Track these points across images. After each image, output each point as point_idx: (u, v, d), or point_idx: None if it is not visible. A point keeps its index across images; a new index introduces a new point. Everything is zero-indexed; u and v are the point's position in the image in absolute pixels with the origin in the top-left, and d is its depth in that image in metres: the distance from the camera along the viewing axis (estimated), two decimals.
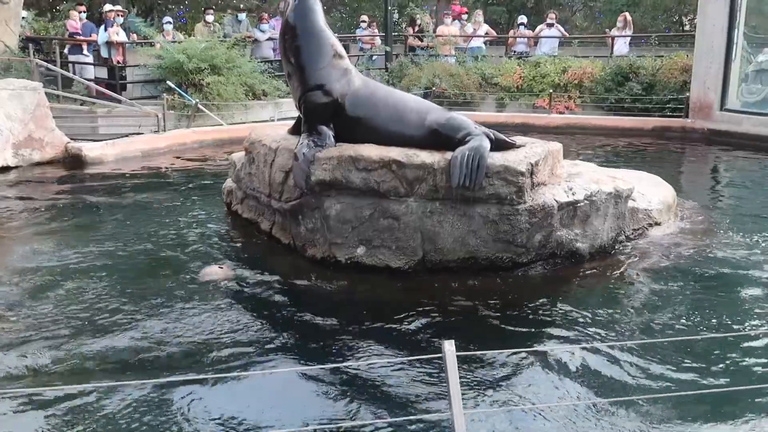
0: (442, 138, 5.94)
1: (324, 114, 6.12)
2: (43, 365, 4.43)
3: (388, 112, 6.10)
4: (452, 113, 6.27)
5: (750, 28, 13.28)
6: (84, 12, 16.35)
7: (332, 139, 6.04)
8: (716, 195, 9.37)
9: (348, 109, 6.11)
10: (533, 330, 4.97)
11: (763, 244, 6.61)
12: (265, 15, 17.31)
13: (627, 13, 17.74)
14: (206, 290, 5.63)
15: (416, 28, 18.72)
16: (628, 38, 17.21)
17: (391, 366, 4.34)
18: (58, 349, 4.63)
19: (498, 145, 5.95)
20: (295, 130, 6.65)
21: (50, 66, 14.21)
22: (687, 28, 25.00)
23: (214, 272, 5.96)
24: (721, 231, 7.00)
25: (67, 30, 15.88)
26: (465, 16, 19.15)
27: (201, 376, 4.24)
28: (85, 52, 15.60)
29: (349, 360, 4.51)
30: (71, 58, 15.51)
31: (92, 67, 15.43)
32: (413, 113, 6.09)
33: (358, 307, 5.36)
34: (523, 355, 4.50)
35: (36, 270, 6.04)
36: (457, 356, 3.01)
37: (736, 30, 12.77)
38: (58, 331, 4.88)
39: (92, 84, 14.10)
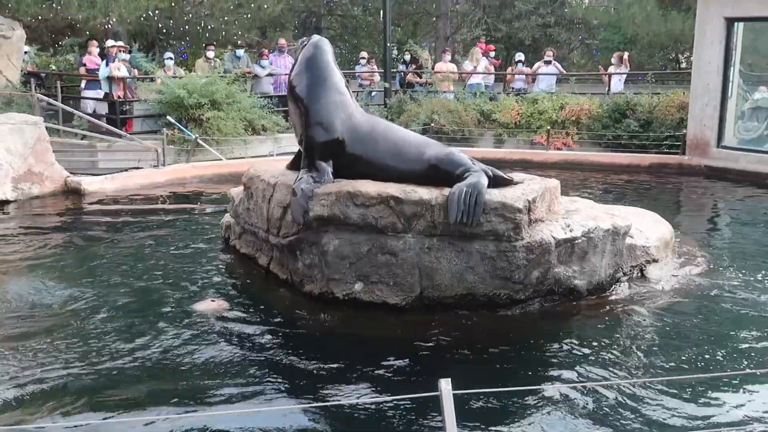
0: (440, 173, 5.97)
1: (324, 151, 6.15)
2: (34, 399, 4.40)
3: (387, 147, 6.14)
4: (451, 149, 6.31)
5: (746, 66, 13.41)
6: (96, 47, 16.39)
7: (330, 176, 6.07)
8: (714, 232, 9.38)
9: (348, 145, 6.15)
10: (530, 368, 4.95)
11: (761, 282, 6.60)
12: (265, 51, 17.45)
13: (623, 53, 17.93)
14: (201, 325, 5.61)
15: (416, 64, 18.88)
16: (624, 76, 17.37)
17: (387, 404, 4.32)
18: (51, 382, 4.61)
19: (496, 182, 5.98)
20: (293, 165, 6.68)
21: (51, 101, 14.30)
22: (683, 65, 25.26)
23: (206, 306, 5.96)
24: (719, 268, 6.99)
25: (84, 65, 15.91)
26: (492, 53, 19.19)
27: (192, 413, 4.21)
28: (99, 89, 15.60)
29: (344, 397, 4.48)
30: (89, 93, 15.47)
31: (101, 102, 15.47)
32: (412, 148, 6.13)
33: (354, 343, 5.34)
34: (520, 393, 4.47)
35: (33, 304, 6.03)
36: (454, 395, 2.99)
37: (732, 68, 12.89)
38: (52, 364, 4.86)
39: (96, 120, 14.11)
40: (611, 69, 17.53)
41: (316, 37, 6.69)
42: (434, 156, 6.07)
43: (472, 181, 5.75)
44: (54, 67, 18.52)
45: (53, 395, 4.47)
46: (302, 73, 6.36)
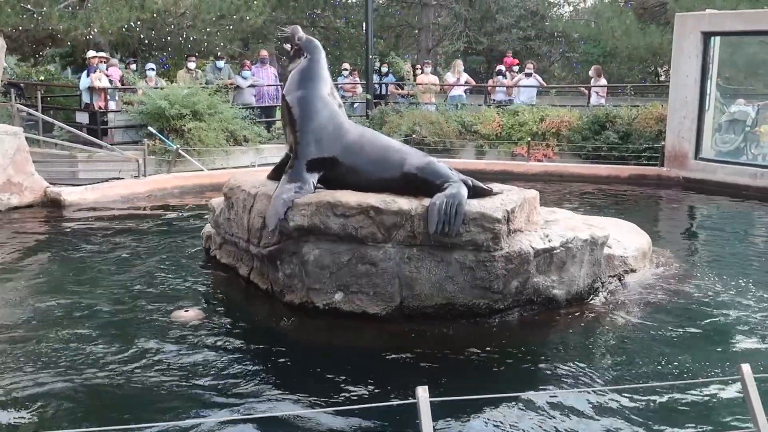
0: (420, 183, 6.01)
1: (314, 165, 6.17)
2: (11, 410, 4.37)
3: (373, 157, 6.18)
4: (431, 158, 6.35)
5: (723, 80, 13.60)
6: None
7: (312, 186, 6.08)
8: (691, 242, 9.49)
9: (339, 159, 6.18)
10: (509, 377, 4.98)
11: (737, 292, 6.68)
12: (247, 62, 17.48)
13: (599, 66, 18.13)
14: (179, 335, 5.60)
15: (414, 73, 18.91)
16: (603, 89, 17.54)
17: (365, 412, 4.32)
18: (23, 392, 4.59)
19: (475, 192, 6.02)
20: (275, 175, 6.70)
21: (31, 111, 14.23)
22: (662, 78, 25.55)
23: (181, 316, 5.95)
24: (696, 278, 7.07)
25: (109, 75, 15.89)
26: (516, 68, 19.17)
27: (164, 424, 4.20)
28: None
29: (322, 406, 4.48)
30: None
31: (81, 112, 15.42)
32: (396, 156, 6.17)
33: (334, 353, 5.35)
34: (498, 401, 4.50)
35: (11, 314, 5.99)
36: (431, 402, 3.02)
37: (709, 82, 13.07)
38: (27, 375, 4.83)
39: (77, 131, 14.06)
40: (591, 83, 17.71)
41: (311, 45, 6.63)
42: (415, 165, 6.11)
43: (452, 192, 5.80)
44: (42, 78, 18.47)
45: (26, 406, 4.44)
46: (296, 86, 6.38)
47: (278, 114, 14.47)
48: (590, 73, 17.95)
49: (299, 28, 6.80)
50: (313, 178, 6.13)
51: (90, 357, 5.18)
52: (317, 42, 6.74)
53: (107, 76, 15.34)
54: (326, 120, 6.26)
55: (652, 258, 7.31)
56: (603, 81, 17.48)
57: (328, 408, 4.43)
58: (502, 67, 19.30)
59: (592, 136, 14.84)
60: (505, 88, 18.15)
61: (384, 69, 19.38)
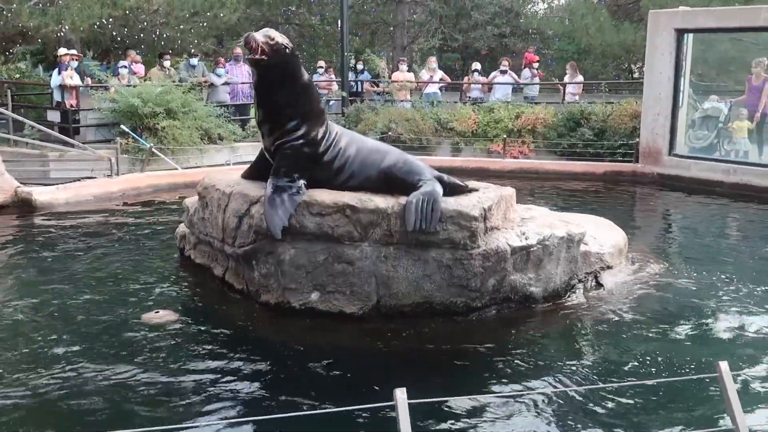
0: (396, 181, 5.97)
1: (305, 164, 6.02)
2: None
3: (358, 156, 6.11)
4: (407, 156, 6.31)
5: (696, 76, 13.71)
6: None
7: (304, 188, 5.94)
8: (666, 238, 9.55)
9: (327, 157, 6.08)
10: (486, 376, 4.96)
11: (713, 287, 6.73)
12: (222, 60, 17.35)
13: (574, 62, 18.25)
14: (151, 337, 5.52)
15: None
16: (578, 86, 17.64)
17: (342, 414, 4.26)
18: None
19: (451, 189, 6.00)
20: (249, 175, 6.62)
21: (1, 110, 14.00)
22: (636, 75, 25.74)
23: (152, 317, 5.87)
24: (672, 274, 7.11)
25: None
26: (536, 65, 19.06)
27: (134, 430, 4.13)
28: None
29: (298, 409, 4.43)
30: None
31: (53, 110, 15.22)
32: (375, 155, 6.12)
33: (310, 354, 5.29)
34: (476, 402, 4.49)
35: None
36: (409, 404, 2.98)
37: (683, 78, 13.17)
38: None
39: (48, 129, 13.86)
40: (566, 79, 17.80)
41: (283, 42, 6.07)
42: (392, 163, 6.07)
43: (427, 190, 5.77)
44: (18, 76, 18.20)
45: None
46: (283, 84, 6.02)
47: (253, 112, 14.37)
48: (567, 69, 18.04)
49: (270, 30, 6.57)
50: (302, 178, 6.01)
51: (55, 359, 5.08)
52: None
53: (135, 74, 15.36)
54: (316, 116, 6.16)
55: (628, 254, 7.34)
56: (579, 77, 17.56)
57: (304, 410, 4.39)
58: (478, 64, 19.31)
59: (568, 133, 14.89)
60: (480, 86, 18.18)
61: (360, 66, 19.33)
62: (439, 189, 5.83)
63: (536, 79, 18.67)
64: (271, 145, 6.14)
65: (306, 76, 6.20)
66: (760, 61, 12.84)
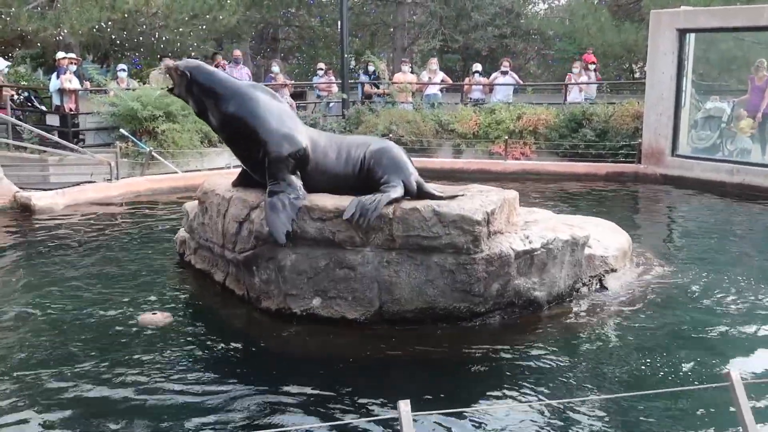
0: (365, 171, 5.92)
1: (292, 164, 5.92)
2: None
3: (336, 152, 6.08)
4: (388, 147, 6.19)
5: (698, 76, 13.64)
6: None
7: (304, 190, 5.88)
8: (670, 240, 9.47)
9: (311, 152, 6.01)
10: (491, 383, 4.88)
11: (719, 290, 6.64)
12: (221, 60, 17.29)
13: (583, 58, 18.05)
14: (149, 341, 5.45)
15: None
16: (583, 85, 17.51)
17: (345, 428, 4.20)
18: None
19: (420, 196, 5.90)
20: (239, 183, 6.50)
21: (2, 114, 13.94)
22: (637, 75, 25.63)
23: (149, 319, 5.80)
24: (678, 277, 7.03)
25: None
26: (592, 66, 18.77)
27: None
28: None
29: (299, 422, 4.34)
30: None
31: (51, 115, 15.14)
32: (355, 150, 6.08)
33: (311, 361, 5.23)
34: (481, 413, 4.41)
35: None
36: (413, 417, 2.91)
37: (685, 78, 13.10)
38: None
39: (47, 134, 13.79)
40: (573, 77, 17.60)
41: (190, 65, 6.15)
42: (369, 151, 6.01)
43: (378, 197, 5.66)
44: (24, 81, 18.10)
45: None
46: (223, 99, 5.98)
47: None
48: (574, 68, 17.80)
49: (167, 59, 6.51)
50: (298, 180, 5.93)
51: (54, 362, 5.03)
52: (193, 60, 6.54)
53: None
54: (286, 114, 6.11)
55: (632, 257, 7.26)
56: (589, 75, 17.38)
57: (303, 424, 4.30)
58: (479, 66, 19.20)
59: (569, 134, 14.81)
60: (481, 87, 18.09)
61: (371, 68, 18.93)
62: (396, 195, 5.72)
63: (593, 79, 18.15)
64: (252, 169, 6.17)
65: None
66: (761, 62, 12.76)
